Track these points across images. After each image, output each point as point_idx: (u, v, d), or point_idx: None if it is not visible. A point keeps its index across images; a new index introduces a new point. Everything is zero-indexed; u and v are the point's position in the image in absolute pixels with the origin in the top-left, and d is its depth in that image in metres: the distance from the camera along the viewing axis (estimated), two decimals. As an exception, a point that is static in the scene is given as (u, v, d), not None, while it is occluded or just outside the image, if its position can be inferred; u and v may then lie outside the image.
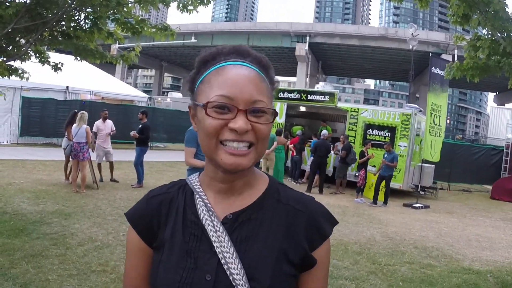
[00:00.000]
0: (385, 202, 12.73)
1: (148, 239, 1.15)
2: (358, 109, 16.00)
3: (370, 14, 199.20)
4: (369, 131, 15.32)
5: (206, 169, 1.15)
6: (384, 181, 12.65)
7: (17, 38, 7.43)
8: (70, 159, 10.51)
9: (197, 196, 1.14)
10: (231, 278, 1.02)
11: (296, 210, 1.13)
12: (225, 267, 1.03)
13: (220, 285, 1.03)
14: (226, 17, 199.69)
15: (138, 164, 11.64)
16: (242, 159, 1.02)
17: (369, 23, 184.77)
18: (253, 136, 1.03)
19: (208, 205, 1.11)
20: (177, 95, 38.29)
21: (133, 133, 11.62)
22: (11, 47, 7.41)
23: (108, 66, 22.86)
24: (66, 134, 11.19)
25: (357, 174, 13.65)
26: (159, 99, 33.45)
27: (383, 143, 13.57)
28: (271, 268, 1.05)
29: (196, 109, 1.09)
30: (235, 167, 1.02)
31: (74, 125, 10.30)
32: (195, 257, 1.07)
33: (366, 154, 13.51)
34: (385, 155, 12.66)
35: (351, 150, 14.35)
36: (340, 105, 16.50)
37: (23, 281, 4.72)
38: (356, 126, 15.70)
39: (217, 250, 1.05)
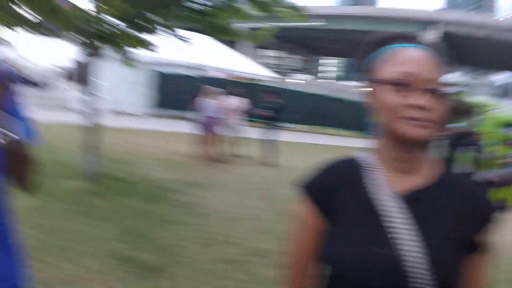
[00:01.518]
0: None
1: (322, 211, 1.15)
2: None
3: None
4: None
5: (381, 147, 1.15)
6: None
7: (150, 14, 7.66)
8: (204, 133, 10.89)
9: (371, 171, 1.14)
10: (406, 254, 1.02)
11: (474, 195, 1.13)
12: (400, 242, 1.03)
13: (394, 260, 1.03)
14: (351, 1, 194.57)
15: (270, 143, 11.77)
16: (422, 129, 1.03)
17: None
18: (430, 115, 1.04)
19: (384, 180, 1.11)
20: (306, 77, 38.19)
21: (263, 111, 11.68)
22: (143, 21, 7.66)
23: (236, 45, 23.48)
24: (198, 108, 11.57)
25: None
26: (289, 80, 33.57)
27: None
28: (448, 248, 1.05)
29: (374, 86, 1.11)
30: (415, 135, 1.03)
31: (206, 100, 10.60)
32: (370, 231, 1.07)
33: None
34: None
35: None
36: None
37: (159, 244, 4.92)
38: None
39: (393, 225, 1.05)
